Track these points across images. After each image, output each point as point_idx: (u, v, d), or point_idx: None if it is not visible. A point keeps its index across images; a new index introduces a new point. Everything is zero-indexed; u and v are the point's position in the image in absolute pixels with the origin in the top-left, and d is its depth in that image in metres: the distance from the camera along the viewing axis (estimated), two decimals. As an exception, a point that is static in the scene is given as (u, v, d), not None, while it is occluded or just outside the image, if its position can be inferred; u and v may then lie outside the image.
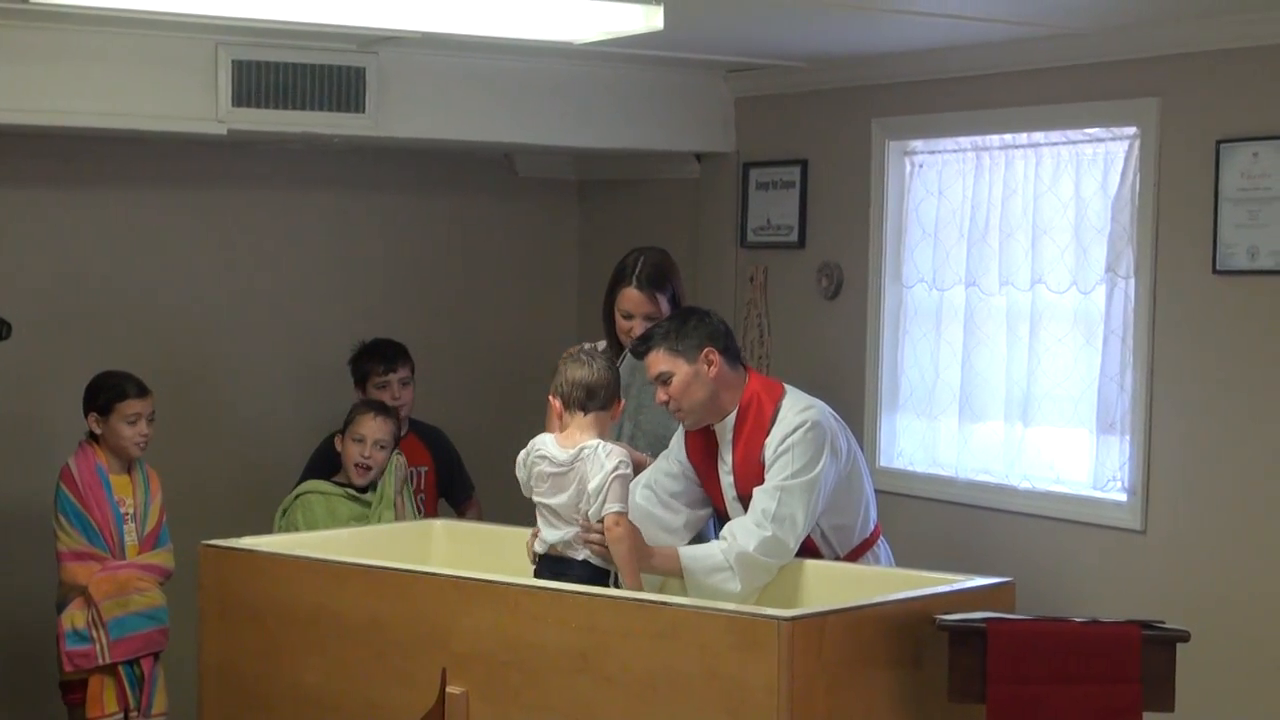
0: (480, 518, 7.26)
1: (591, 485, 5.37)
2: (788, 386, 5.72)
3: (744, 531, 5.45)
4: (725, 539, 5.48)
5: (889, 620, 4.97)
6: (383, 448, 6.73)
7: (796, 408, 5.59)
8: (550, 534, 5.48)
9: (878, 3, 5.82)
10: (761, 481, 5.52)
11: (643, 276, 6.23)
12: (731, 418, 5.66)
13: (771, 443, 5.52)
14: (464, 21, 5.73)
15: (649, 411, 6.04)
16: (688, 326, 5.69)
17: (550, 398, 5.62)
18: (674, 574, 5.52)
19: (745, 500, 5.65)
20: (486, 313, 8.30)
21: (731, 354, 5.72)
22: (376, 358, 7.28)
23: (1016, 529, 6.50)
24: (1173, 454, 6.09)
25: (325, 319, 7.94)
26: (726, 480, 5.67)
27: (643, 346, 5.75)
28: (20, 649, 7.09)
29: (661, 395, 5.68)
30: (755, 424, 5.61)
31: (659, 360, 5.67)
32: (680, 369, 5.62)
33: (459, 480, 7.41)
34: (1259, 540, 5.84)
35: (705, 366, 5.63)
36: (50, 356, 7.31)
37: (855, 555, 5.76)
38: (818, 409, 5.60)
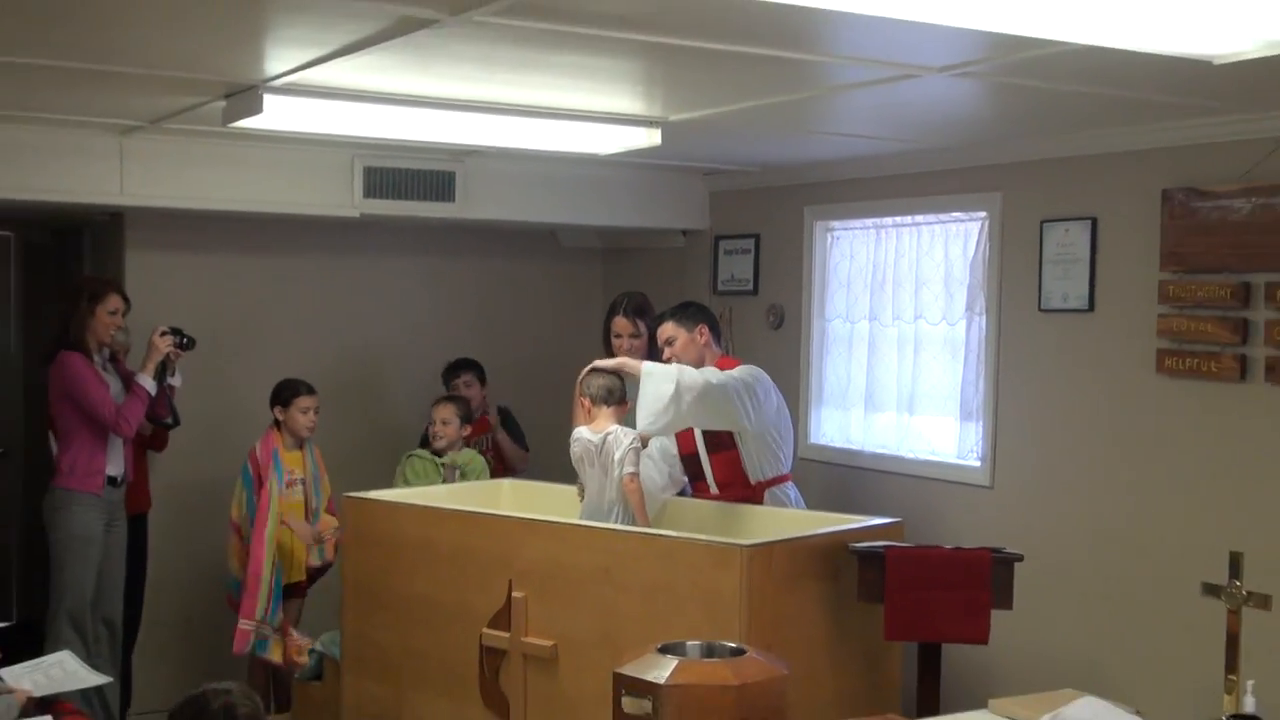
0: (525, 468, 7.28)
1: (616, 456, 5.45)
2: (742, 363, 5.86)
3: (684, 368, 5.52)
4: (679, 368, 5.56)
5: (816, 547, 5.06)
6: (446, 423, 6.77)
7: (744, 366, 5.75)
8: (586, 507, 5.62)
9: (807, 128, 5.79)
10: None
11: (628, 309, 6.35)
12: None
13: None
14: (523, 139, 5.77)
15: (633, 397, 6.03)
16: (690, 310, 5.92)
17: (579, 397, 5.69)
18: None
19: (708, 434, 5.77)
20: (536, 341, 8.18)
21: (715, 333, 5.92)
22: (451, 371, 7.38)
23: (904, 486, 6.50)
24: (1011, 434, 6.12)
25: (424, 345, 7.87)
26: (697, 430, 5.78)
27: (659, 319, 5.95)
28: (207, 581, 7.03)
29: (667, 353, 5.82)
30: None
31: (669, 328, 5.87)
32: (681, 335, 5.83)
33: (517, 442, 7.41)
34: (1069, 493, 5.88)
35: (698, 336, 5.83)
36: (238, 373, 7.29)
37: (771, 484, 5.78)
38: (757, 368, 5.76)
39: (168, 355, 6.38)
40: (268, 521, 6.39)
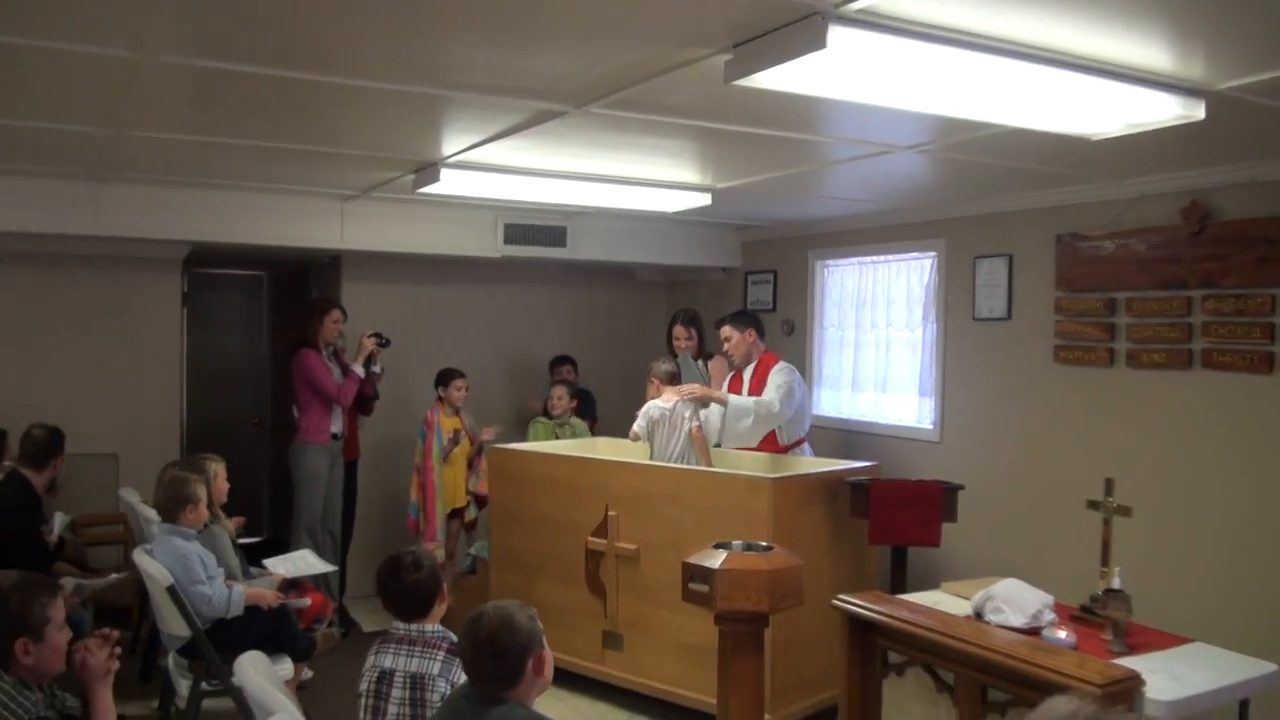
0: (594, 428, 7.11)
1: (686, 415, 5.44)
2: (781, 359, 5.81)
3: (760, 401, 5.49)
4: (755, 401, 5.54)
5: (823, 481, 5.08)
6: (560, 399, 6.76)
7: (783, 366, 5.67)
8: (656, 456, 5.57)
9: (811, 193, 5.75)
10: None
11: (684, 320, 6.26)
12: (753, 365, 5.73)
13: (770, 376, 5.61)
14: (613, 201, 5.74)
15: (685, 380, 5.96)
16: (743, 316, 5.80)
17: (651, 379, 5.71)
18: (723, 403, 5.50)
19: None
20: (621, 345, 8.16)
21: (761, 334, 5.79)
22: (555, 361, 7.39)
23: (881, 442, 6.46)
24: (954, 406, 6.10)
25: (544, 344, 7.85)
26: (745, 394, 5.72)
27: (721, 323, 5.83)
28: (396, 506, 7.04)
29: (726, 348, 5.72)
30: (763, 368, 5.71)
31: (726, 330, 5.76)
32: (735, 335, 5.72)
33: (589, 411, 7.30)
34: (994, 444, 5.85)
35: (748, 336, 5.71)
36: (418, 363, 7.24)
37: (795, 445, 5.75)
38: (791, 367, 5.69)
39: (372, 351, 6.46)
40: (434, 467, 6.43)
